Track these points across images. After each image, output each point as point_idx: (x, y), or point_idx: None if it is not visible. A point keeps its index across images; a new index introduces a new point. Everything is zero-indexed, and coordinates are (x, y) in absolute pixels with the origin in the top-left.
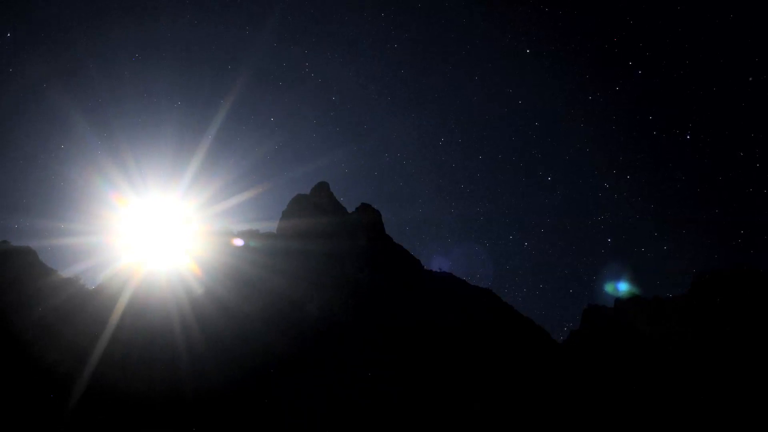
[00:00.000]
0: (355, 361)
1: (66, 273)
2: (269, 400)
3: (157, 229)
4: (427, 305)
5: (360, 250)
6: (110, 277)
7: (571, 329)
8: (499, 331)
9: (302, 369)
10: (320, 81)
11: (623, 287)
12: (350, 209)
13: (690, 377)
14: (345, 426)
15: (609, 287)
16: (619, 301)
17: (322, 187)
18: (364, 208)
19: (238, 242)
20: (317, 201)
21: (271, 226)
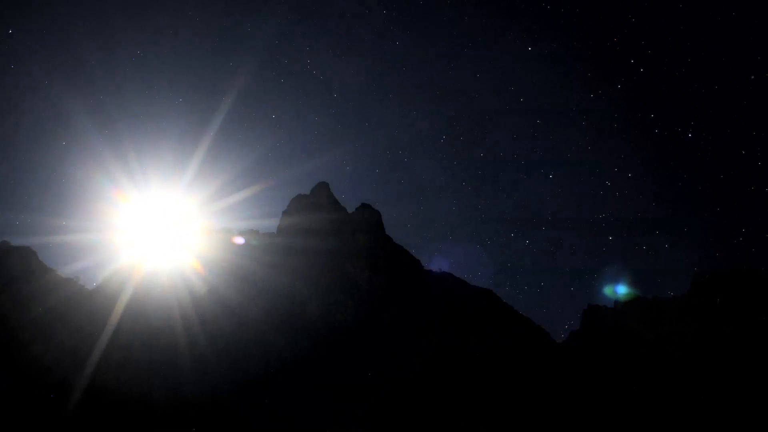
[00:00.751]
0: (355, 361)
1: (66, 272)
2: (269, 400)
3: (159, 226)
4: (427, 305)
5: (360, 250)
6: (110, 276)
7: (571, 327)
8: (498, 331)
9: (302, 369)
10: (322, 78)
11: (622, 290)
12: (351, 208)
13: (690, 377)
14: (345, 425)
15: (608, 290)
16: (619, 302)
17: (321, 188)
18: (364, 208)
19: (239, 240)
20: (317, 201)
21: (272, 224)
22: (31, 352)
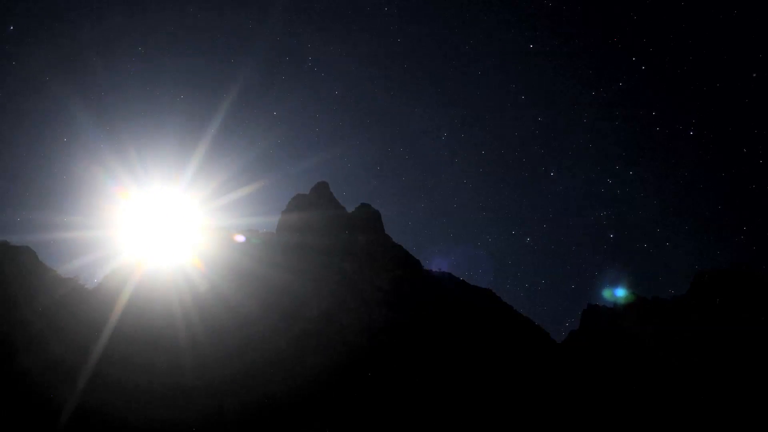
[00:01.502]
0: (355, 361)
1: (66, 270)
2: (269, 400)
3: (160, 223)
4: (426, 306)
5: (359, 250)
6: (111, 275)
7: (571, 327)
8: (498, 331)
9: (302, 369)
10: (323, 75)
11: (621, 293)
12: (351, 206)
13: (689, 378)
14: (345, 424)
15: (607, 293)
16: (619, 302)
17: (321, 187)
18: (364, 207)
19: (240, 238)
20: (316, 201)
21: (272, 222)
22: (31, 351)
